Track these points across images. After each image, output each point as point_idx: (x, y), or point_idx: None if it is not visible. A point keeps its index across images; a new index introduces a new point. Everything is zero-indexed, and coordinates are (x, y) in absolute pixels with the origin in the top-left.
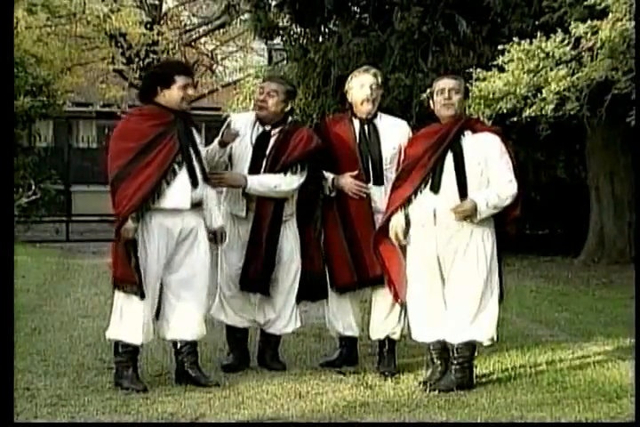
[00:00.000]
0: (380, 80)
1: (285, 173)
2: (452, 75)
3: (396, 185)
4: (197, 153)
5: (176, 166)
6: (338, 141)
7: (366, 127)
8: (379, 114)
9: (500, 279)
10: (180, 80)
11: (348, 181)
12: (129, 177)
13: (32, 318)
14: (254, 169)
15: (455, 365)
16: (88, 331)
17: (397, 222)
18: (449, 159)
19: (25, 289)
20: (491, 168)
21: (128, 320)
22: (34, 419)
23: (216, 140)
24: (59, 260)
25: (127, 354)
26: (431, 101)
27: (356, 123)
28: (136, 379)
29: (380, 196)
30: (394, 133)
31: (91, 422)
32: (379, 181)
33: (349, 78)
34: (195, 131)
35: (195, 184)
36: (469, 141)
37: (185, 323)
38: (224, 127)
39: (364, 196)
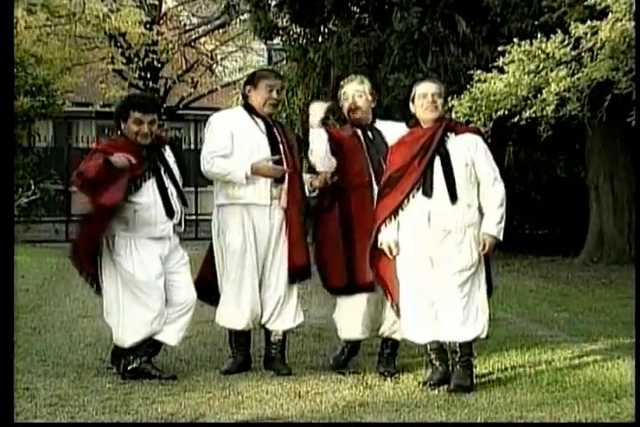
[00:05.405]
0: (366, 87)
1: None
2: (432, 78)
3: (384, 192)
4: (172, 177)
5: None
6: (347, 149)
7: (370, 133)
8: (376, 120)
9: (489, 274)
10: (134, 115)
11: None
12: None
13: (32, 318)
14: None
15: (459, 362)
16: (88, 331)
17: (388, 238)
18: (437, 162)
19: (25, 289)
20: (478, 169)
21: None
22: (34, 419)
23: (246, 170)
24: (58, 260)
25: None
26: (412, 105)
27: (359, 130)
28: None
29: None
30: (396, 136)
31: (91, 423)
32: None
33: (339, 89)
34: (166, 152)
35: (171, 215)
36: (453, 143)
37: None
38: (278, 167)
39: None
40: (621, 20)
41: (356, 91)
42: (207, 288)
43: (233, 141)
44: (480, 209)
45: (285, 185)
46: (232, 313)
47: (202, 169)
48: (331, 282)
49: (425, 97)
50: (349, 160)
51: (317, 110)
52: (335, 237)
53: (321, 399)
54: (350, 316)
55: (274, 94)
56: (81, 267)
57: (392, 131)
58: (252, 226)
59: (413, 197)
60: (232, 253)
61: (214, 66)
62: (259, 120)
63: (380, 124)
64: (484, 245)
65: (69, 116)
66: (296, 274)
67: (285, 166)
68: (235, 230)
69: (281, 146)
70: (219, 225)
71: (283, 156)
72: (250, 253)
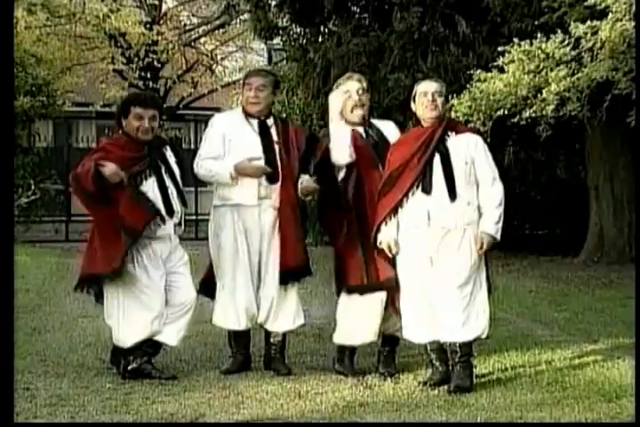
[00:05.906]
0: (365, 85)
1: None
2: (433, 78)
3: (384, 191)
4: (173, 177)
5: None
6: (357, 147)
7: (371, 131)
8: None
9: (487, 274)
10: (134, 110)
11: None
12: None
13: (32, 318)
14: (268, 156)
15: (460, 362)
16: (88, 331)
17: (388, 237)
18: (436, 160)
19: (25, 289)
20: (477, 168)
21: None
22: (34, 419)
23: (230, 170)
24: (58, 260)
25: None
26: (413, 104)
27: (359, 129)
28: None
29: None
30: (392, 132)
31: (91, 423)
32: None
33: (334, 88)
34: (167, 152)
35: (171, 215)
36: (453, 142)
37: None
38: (261, 166)
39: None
40: (621, 20)
41: (357, 88)
42: (208, 283)
43: (225, 143)
44: (479, 208)
45: (277, 185)
46: (228, 313)
47: (194, 171)
48: (350, 281)
49: (426, 96)
50: (359, 158)
51: (338, 102)
52: (353, 237)
53: (321, 399)
54: (360, 319)
55: (252, 92)
56: (84, 279)
57: (388, 129)
58: (243, 227)
59: (413, 194)
60: (225, 253)
61: (214, 66)
62: (253, 121)
63: (376, 123)
64: (482, 244)
65: (69, 116)
66: (288, 274)
67: (279, 166)
68: (226, 231)
69: (276, 146)
70: (214, 226)
71: (278, 156)
72: (242, 253)
